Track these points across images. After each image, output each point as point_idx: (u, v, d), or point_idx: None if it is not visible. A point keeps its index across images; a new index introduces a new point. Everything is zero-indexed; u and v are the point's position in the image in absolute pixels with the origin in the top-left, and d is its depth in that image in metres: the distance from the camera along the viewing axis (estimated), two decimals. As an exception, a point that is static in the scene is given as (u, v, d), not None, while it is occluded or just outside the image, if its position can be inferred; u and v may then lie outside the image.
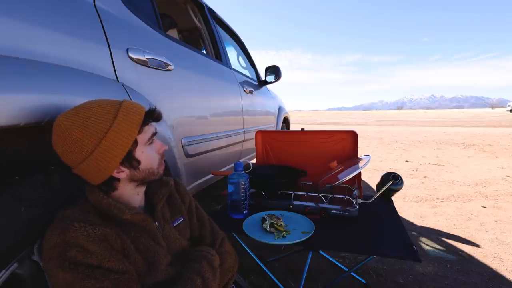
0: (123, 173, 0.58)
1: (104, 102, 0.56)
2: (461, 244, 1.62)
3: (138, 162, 0.58)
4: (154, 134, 0.62)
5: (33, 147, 0.71)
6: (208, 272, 0.62)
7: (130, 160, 0.57)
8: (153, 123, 0.62)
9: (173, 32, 1.74)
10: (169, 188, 0.71)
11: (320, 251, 1.28)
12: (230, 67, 1.84)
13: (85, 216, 0.53)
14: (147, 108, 0.61)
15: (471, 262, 1.43)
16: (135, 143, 0.57)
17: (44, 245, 0.51)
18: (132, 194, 0.62)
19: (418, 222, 1.94)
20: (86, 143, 0.52)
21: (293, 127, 3.76)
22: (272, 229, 0.91)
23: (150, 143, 0.61)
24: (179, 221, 0.71)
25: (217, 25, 1.93)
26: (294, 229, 0.93)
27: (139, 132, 0.57)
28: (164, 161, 0.67)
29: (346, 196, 1.13)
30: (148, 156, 0.60)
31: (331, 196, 1.12)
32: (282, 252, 1.49)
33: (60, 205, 0.59)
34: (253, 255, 1.01)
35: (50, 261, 0.48)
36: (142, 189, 0.64)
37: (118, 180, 0.58)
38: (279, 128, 2.90)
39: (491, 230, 1.78)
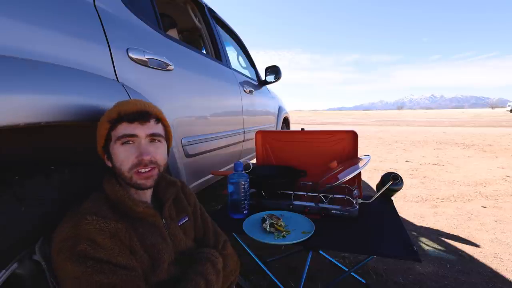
0: (110, 163, 0.62)
1: None
2: (461, 244, 1.62)
3: (110, 156, 0.61)
4: (131, 136, 0.59)
5: (33, 147, 0.71)
6: (212, 274, 0.62)
7: (107, 152, 0.62)
8: (141, 126, 0.60)
9: (173, 32, 1.74)
10: (176, 188, 0.73)
11: (320, 251, 1.28)
12: (230, 67, 1.83)
13: (97, 209, 0.55)
14: None
15: (471, 262, 1.43)
16: (109, 137, 0.60)
17: (55, 237, 0.51)
18: (131, 189, 0.63)
19: (418, 222, 1.94)
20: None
21: (293, 127, 3.76)
22: (272, 229, 0.91)
23: (123, 143, 0.59)
24: (184, 221, 0.72)
25: (217, 25, 1.93)
26: (294, 229, 0.93)
27: (113, 128, 0.59)
28: None
29: (346, 196, 1.13)
30: (117, 155, 0.59)
31: (331, 196, 1.12)
32: (282, 252, 1.49)
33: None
34: (253, 255, 1.01)
35: (60, 254, 0.49)
36: (137, 191, 0.63)
37: (113, 170, 0.62)
38: (279, 128, 2.89)
39: (491, 230, 1.78)
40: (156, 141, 0.63)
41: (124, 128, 0.59)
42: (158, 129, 0.64)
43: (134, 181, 0.60)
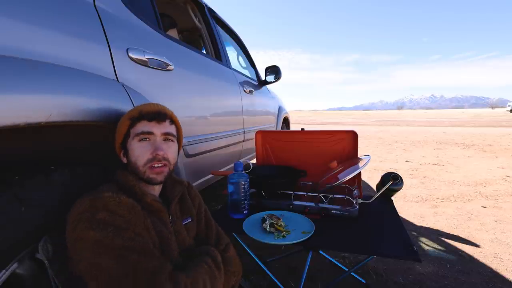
0: (125, 159, 0.67)
1: None
2: (461, 244, 1.62)
3: (127, 151, 0.66)
4: (148, 133, 0.65)
5: (33, 147, 0.71)
6: (212, 264, 0.64)
7: (124, 148, 0.67)
8: (157, 125, 0.66)
9: (173, 32, 1.74)
10: (183, 187, 0.76)
11: (320, 251, 1.28)
12: (230, 67, 1.83)
13: (113, 190, 0.58)
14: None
15: (471, 262, 1.43)
16: (128, 134, 0.65)
17: (72, 212, 0.53)
18: (142, 184, 0.66)
19: (418, 222, 1.94)
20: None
21: (293, 127, 3.76)
22: (272, 229, 0.91)
23: (140, 140, 0.64)
24: (187, 221, 0.74)
25: (217, 25, 1.93)
26: (294, 229, 0.93)
27: (132, 126, 0.65)
28: None
29: (346, 196, 1.13)
30: (133, 150, 0.65)
31: (331, 196, 1.12)
32: (282, 252, 1.49)
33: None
34: (253, 255, 1.01)
35: (78, 225, 0.51)
36: (147, 185, 0.67)
37: (126, 164, 0.67)
38: (279, 128, 2.89)
39: (491, 230, 1.78)
40: (170, 140, 0.69)
41: (143, 126, 0.65)
42: (172, 129, 0.70)
43: (147, 175, 0.65)
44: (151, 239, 0.58)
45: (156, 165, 0.64)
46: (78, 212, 0.52)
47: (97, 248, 0.49)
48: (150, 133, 0.65)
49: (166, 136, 0.67)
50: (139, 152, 0.64)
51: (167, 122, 0.68)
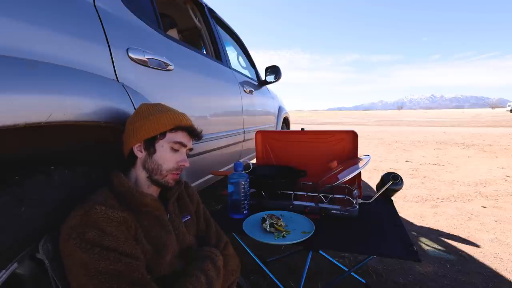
0: (140, 153, 0.67)
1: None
2: (461, 244, 1.62)
3: (154, 151, 0.67)
4: (183, 145, 0.70)
5: (33, 147, 0.71)
6: (212, 271, 0.64)
7: (150, 144, 0.67)
8: (190, 142, 0.71)
9: (173, 32, 1.74)
10: (181, 185, 0.77)
11: (320, 251, 1.28)
12: (230, 67, 1.83)
13: (105, 200, 0.58)
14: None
15: (471, 262, 1.43)
16: (163, 135, 0.67)
17: (65, 224, 0.54)
18: (144, 183, 0.68)
19: (418, 222, 1.94)
20: (140, 118, 0.67)
21: (293, 127, 3.76)
22: (272, 229, 0.91)
23: (174, 148, 0.68)
24: (186, 218, 0.75)
25: (217, 25, 1.93)
26: (294, 229, 0.93)
27: (172, 130, 0.67)
28: None
29: (346, 196, 1.13)
30: (163, 154, 0.67)
31: (331, 196, 1.12)
32: (282, 252, 1.49)
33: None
34: (253, 255, 1.01)
35: (69, 240, 0.51)
36: (152, 185, 0.68)
37: (136, 158, 0.67)
38: (279, 128, 2.89)
39: (491, 230, 1.78)
40: (188, 154, 0.74)
41: (183, 136, 0.70)
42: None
43: (166, 179, 0.68)
44: (142, 248, 0.59)
45: (176, 173, 0.69)
46: (71, 226, 0.52)
47: (83, 270, 0.50)
48: (184, 145, 0.70)
49: (189, 151, 0.74)
50: (170, 157, 0.67)
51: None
